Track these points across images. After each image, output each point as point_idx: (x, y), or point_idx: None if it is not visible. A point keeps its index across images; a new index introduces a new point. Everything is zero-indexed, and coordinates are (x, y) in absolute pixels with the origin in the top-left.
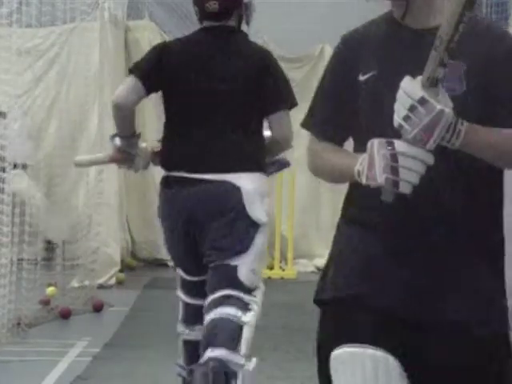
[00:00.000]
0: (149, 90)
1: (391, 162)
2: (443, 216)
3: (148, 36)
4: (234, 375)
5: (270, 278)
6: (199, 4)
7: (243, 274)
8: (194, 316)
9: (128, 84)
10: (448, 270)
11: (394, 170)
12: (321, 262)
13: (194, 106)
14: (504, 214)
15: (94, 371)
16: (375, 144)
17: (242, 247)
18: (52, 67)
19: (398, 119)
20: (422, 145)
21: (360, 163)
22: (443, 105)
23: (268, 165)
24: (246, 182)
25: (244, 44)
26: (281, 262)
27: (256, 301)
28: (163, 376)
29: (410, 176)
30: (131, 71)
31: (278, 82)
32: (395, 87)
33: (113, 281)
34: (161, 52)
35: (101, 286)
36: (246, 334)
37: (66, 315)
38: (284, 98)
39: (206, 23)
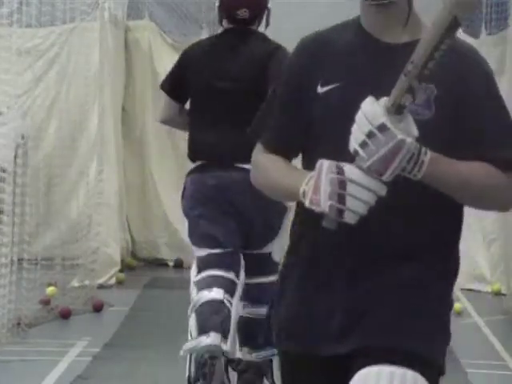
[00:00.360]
0: (180, 101)
1: (338, 189)
2: (386, 250)
3: (148, 36)
4: (269, 366)
5: None
6: (229, 11)
7: (276, 254)
8: (210, 282)
9: (163, 102)
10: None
11: (341, 198)
12: None
13: (215, 104)
14: None
15: (94, 371)
16: (324, 166)
17: (275, 234)
18: (52, 67)
19: (354, 144)
20: (377, 175)
21: (306, 183)
22: (405, 134)
23: None
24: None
25: (259, 46)
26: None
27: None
28: (163, 376)
29: (358, 206)
30: (162, 87)
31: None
32: (358, 104)
33: (113, 281)
34: (181, 63)
35: (101, 286)
36: None
37: (66, 315)
38: None
39: (229, 26)
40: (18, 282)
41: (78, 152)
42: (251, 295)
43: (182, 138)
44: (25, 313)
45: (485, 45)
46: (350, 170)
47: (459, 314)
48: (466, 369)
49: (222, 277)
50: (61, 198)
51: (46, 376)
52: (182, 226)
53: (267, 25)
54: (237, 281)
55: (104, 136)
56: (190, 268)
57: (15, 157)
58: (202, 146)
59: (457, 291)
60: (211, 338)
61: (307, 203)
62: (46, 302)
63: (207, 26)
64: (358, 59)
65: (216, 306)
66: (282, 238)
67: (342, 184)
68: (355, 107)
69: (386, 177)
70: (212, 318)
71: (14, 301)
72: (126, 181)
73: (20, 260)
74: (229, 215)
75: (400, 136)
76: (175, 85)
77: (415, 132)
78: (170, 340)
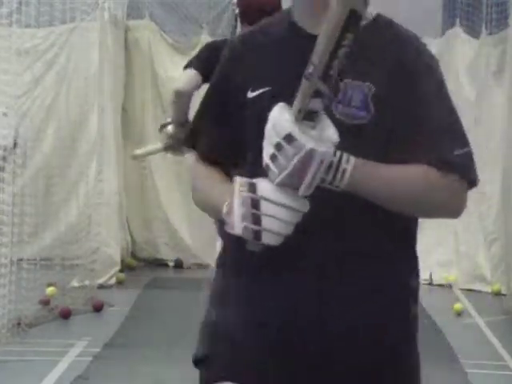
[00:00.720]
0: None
1: (251, 209)
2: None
3: (148, 36)
4: None
5: None
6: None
7: None
8: None
9: (186, 76)
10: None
11: (256, 218)
12: None
13: None
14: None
15: (94, 371)
16: (236, 184)
17: None
18: (51, 67)
19: (265, 158)
20: (292, 190)
21: (228, 203)
22: (318, 142)
23: None
24: None
25: None
26: None
27: None
28: (163, 376)
29: (276, 226)
30: (187, 66)
31: None
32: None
33: (113, 281)
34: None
35: (101, 286)
36: None
37: (66, 315)
38: None
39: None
40: (17, 282)
41: (77, 152)
42: None
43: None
44: (25, 313)
45: (485, 45)
46: (262, 186)
47: (459, 314)
48: (465, 369)
49: None
50: (60, 199)
51: (45, 376)
52: (181, 226)
53: None
54: None
55: (103, 136)
56: (189, 268)
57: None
58: None
59: (457, 291)
60: None
61: (225, 225)
62: (45, 302)
63: (207, 26)
64: (290, 59)
65: None
66: None
67: (255, 203)
68: None
69: (302, 191)
70: None
71: (13, 301)
72: (126, 181)
73: (20, 260)
74: None
75: (309, 145)
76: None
77: (334, 138)
78: (170, 340)
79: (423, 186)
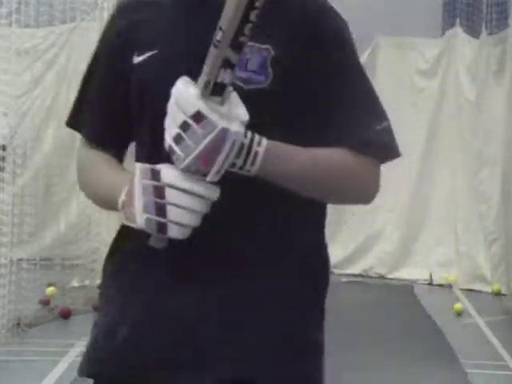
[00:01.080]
0: None
1: (154, 198)
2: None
3: None
4: None
5: None
6: None
7: None
8: None
9: None
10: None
11: (160, 209)
12: None
13: None
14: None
15: None
16: (137, 170)
17: None
18: (51, 67)
19: (168, 140)
20: (200, 176)
21: (126, 192)
22: (228, 121)
23: None
24: None
25: None
26: None
27: None
28: None
29: (183, 216)
30: None
31: None
32: (174, 80)
33: None
34: None
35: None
36: None
37: (66, 315)
38: None
39: None
40: (17, 282)
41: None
42: None
43: None
44: (25, 313)
45: (485, 45)
46: (167, 172)
47: (459, 314)
48: (465, 369)
49: None
50: (60, 198)
51: (45, 376)
52: None
53: None
54: None
55: None
56: None
57: None
58: None
59: (457, 291)
60: None
61: (123, 219)
62: (45, 302)
63: None
64: (183, 19)
65: None
66: None
67: (160, 191)
68: (169, 87)
69: (211, 177)
70: None
71: (13, 301)
72: None
73: (20, 260)
74: None
75: (221, 124)
76: None
77: (244, 116)
78: None
79: (340, 173)
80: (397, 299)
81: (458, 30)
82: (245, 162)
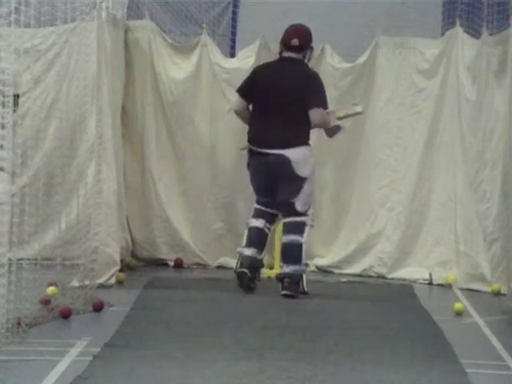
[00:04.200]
0: (248, 100)
1: None
2: None
3: (148, 36)
4: (301, 277)
5: (269, 277)
6: (286, 40)
7: (298, 205)
8: (258, 214)
9: (236, 99)
10: None
11: None
12: (321, 261)
13: (268, 106)
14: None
15: (94, 371)
16: None
17: (297, 192)
18: (52, 67)
19: None
20: None
21: None
22: None
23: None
24: (294, 154)
25: (301, 69)
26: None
27: (308, 218)
28: (163, 376)
29: None
30: (237, 90)
31: (318, 91)
32: None
33: (113, 280)
34: (252, 75)
35: (101, 286)
36: (305, 247)
37: (66, 315)
38: (318, 101)
39: (285, 54)
40: (17, 282)
41: (77, 152)
42: (287, 229)
43: (182, 138)
44: (25, 313)
45: (486, 45)
46: None
47: (459, 314)
48: (465, 369)
49: (265, 211)
50: (61, 198)
51: (45, 376)
52: (181, 226)
53: (309, 59)
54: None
55: (102, 136)
56: (189, 268)
57: None
58: (254, 134)
59: (457, 291)
60: (251, 251)
61: None
62: (46, 302)
63: (207, 26)
64: None
65: (257, 231)
66: (303, 197)
67: None
68: None
69: None
70: (254, 238)
71: (13, 301)
72: (126, 181)
73: (20, 260)
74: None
75: None
76: (245, 89)
77: None
78: (170, 340)
79: None
80: (397, 299)
81: (458, 30)
82: None
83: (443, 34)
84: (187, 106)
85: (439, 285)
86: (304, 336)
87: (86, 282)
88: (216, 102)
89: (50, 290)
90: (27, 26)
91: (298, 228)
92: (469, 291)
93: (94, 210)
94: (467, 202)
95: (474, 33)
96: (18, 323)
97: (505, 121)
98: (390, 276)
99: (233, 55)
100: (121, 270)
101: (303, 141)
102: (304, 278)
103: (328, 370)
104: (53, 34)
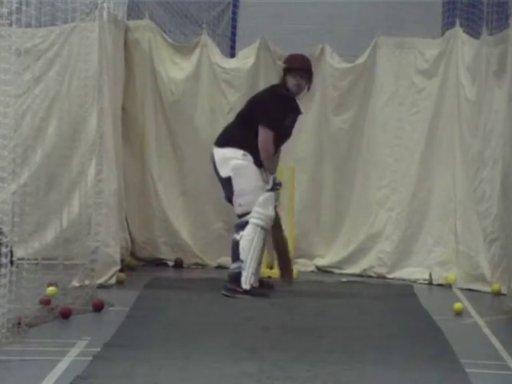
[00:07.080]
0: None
1: None
2: None
3: (148, 36)
4: (239, 274)
5: (269, 277)
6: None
7: (235, 209)
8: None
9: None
10: None
11: None
12: (321, 261)
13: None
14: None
15: (94, 371)
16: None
17: (230, 193)
18: (52, 67)
19: None
20: None
21: None
22: None
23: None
24: (219, 153)
25: (275, 90)
26: None
27: (247, 219)
28: (163, 376)
29: None
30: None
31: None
32: None
33: (113, 280)
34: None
35: (101, 286)
36: (242, 243)
37: (66, 315)
38: (265, 119)
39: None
40: (18, 282)
41: (77, 152)
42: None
43: (182, 138)
44: (25, 313)
45: (485, 45)
46: None
47: (459, 313)
48: (466, 369)
49: None
50: (61, 198)
51: (45, 376)
52: (181, 226)
53: (308, 89)
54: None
55: (103, 136)
56: (189, 268)
57: None
58: None
59: (457, 291)
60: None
61: None
62: (46, 302)
63: (207, 26)
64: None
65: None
66: (236, 198)
67: None
68: None
69: None
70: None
71: (13, 300)
72: (126, 181)
73: (20, 260)
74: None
75: None
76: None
77: None
78: (169, 340)
79: None
80: (397, 299)
81: (458, 30)
82: None
83: (443, 34)
84: (187, 106)
85: (439, 285)
86: (304, 336)
87: (86, 282)
88: (216, 102)
89: (50, 289)
90: (28, 25)
91: (239, 227)
92: (469, 291)
93: (95, 210)
94: (467, 201)
95: (474, 33)
96: (19, 323)
97: (504, 121)
98: (390, 276)
99: (233, 55)
100: (121, 270)
101: (236, 144)
102: (244, 274)
103: (328, 370)
104: (53, 34)
